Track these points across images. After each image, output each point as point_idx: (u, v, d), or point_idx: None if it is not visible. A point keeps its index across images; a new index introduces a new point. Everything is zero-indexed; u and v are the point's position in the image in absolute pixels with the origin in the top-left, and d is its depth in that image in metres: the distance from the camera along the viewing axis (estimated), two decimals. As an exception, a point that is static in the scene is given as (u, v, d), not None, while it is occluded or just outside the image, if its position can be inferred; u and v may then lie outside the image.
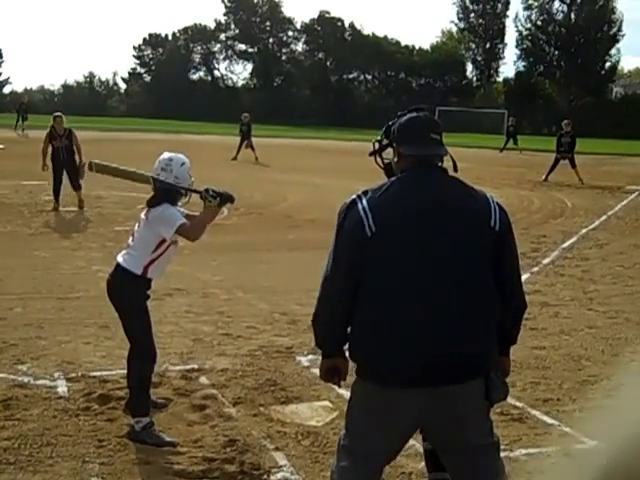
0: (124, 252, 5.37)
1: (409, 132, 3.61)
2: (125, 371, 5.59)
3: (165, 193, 5.35)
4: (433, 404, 3.40)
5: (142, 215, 5.42)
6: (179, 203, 5.46)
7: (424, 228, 3.39)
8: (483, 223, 3.45)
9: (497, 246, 3.47)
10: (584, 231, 14.91)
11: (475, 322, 3.38)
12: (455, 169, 3.74)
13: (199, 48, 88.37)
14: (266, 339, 7.54)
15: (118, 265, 5.31)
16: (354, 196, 3.51)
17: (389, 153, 3.78)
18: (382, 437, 3.48)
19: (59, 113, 16.21)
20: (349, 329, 3.52)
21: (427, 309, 3.31)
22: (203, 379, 6.36)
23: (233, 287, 9.58)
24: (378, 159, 3.87)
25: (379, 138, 3.87)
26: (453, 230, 3.40)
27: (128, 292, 5.30)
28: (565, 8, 78.51)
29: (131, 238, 5.41)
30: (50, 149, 15.65)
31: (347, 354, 3.61)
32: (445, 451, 3.61)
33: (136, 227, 5.44)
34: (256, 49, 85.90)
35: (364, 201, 3.45)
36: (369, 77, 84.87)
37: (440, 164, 3.63)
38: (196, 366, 6.64)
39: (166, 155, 5.54)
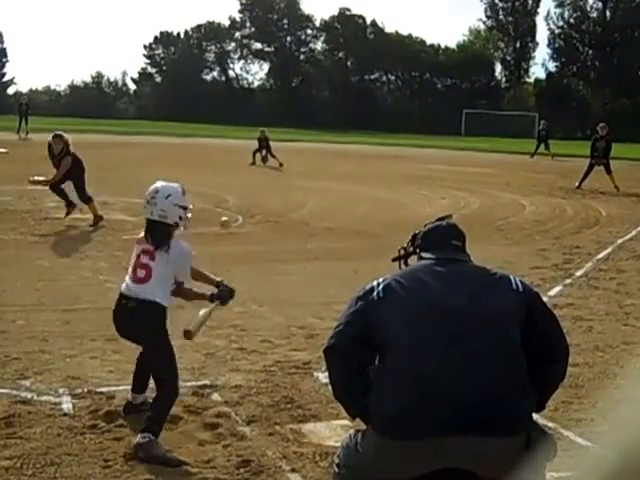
0: (143, 287, 5.53)
1: (431, 239, 4.10)
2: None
3: (165, 231, 5.60)
4: (452, 460, 3.56)
5: (137, 247, 5.67)
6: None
7: (440, 291, 3.73)
8: (505, 288, 3.81)
9: (526, 310, 3.78)
10: (620, 241, 14.81)
11: (502, 382, 3.58)
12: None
13: (213, 47, 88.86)
14: (282, 354, 7.54)
15: (147, 300, 5.49)
16: (373, 283, 3.91)
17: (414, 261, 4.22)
18: None
19: (60, 132, 15.64)
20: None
21: (451, 371, 3.55)
22: (215, 396, 6.36)
23: (247, 299, 9.56)
24: (403, 266, 4.27)
25: (405, 245, 4.31)
26: (471, 291, 3.75)
27: (160, 323, 5.59)
28: (600, 5, 78.50)
29: (143, 273, 5.55)
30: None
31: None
32: None
33: (145, 260, 5.57)
34: (273, 48, 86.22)
35: (380, 279, 3.89)
36: (392, 78, 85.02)
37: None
38: (208, 382, 6.64)
39: (152, 187, 5.66)
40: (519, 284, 3.82)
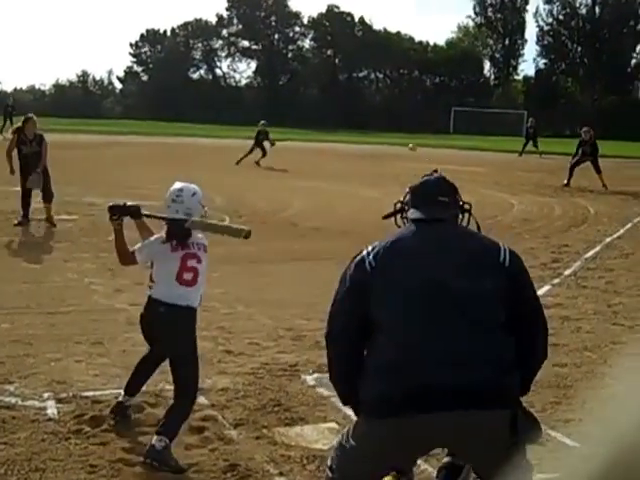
0: (191, 291, 5.59)
1: (417, 195, 4.00)
2: (120, 391, 5.89)
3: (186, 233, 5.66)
4: (446, 432, 3.57)
5: (172, 251, 5.62)
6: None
7: (426, 259, 3.71)
8: (492, 260, 3.74)
9: (510, 285, 3.72)
10: (608, 240, 14.88)
11: (477, 349, 3.57)
12: (478, 229, 4.06)
13: (200, 45, 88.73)
14: (269, 356, 7.54)
15: (181, 305, 5.53)
16: (363, 253, 3.83)
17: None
18: (384, 467, 3.80)
19: (31, 115, 15.26)
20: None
21: (424, 337, 3.57)
22: (202, 399, 6.34)
23: (234, 301, 9.57)
24: (399, 220, 4.14)
25: (401, 199, 4.16)
26: (457, 258, 3.71)
27: (192, 330, 5.67)
28: (589, 1, 78.87)
29: (190, 275, 5.58)
30: (17, 155, 14.79)
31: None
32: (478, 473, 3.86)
33: (193, 263, 5.62)
34: (260, 46, 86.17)
35: (369, 247, 3.82)
36: (380, 75, 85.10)
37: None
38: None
39: (177, 186, 5.78)
40: (507, 257, 3.75)
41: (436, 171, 4.12)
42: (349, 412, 5.47)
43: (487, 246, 3.84)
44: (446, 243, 3.80)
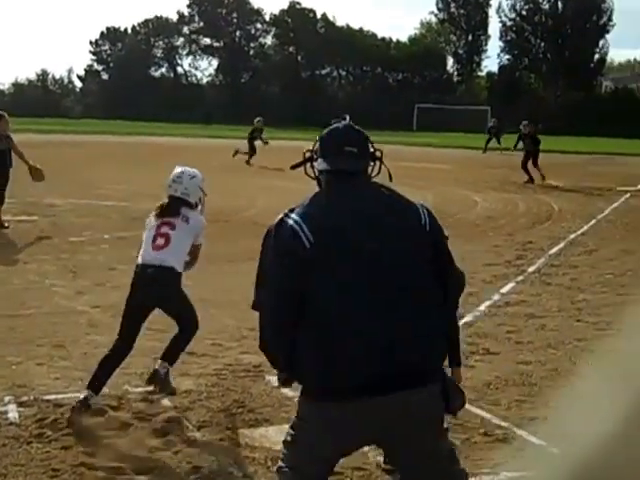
0: (162, 253, 6.29)
1: (324, 145, 3.85)
2: (82, 394, 5.97)
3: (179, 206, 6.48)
4: (389, 412, 3.52)
5: (155, 221, 6.42)
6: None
7: (360, 232, 3.57)
8: (414, 224, 3.68)
9: (432, 249, 3.70)
10: (572, 236, 15.02)
11: (422, 325, 3.56)
12: (390, 179, 3.93)
13: (161, 43, 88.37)
14: (233, 357, 7.54)
15: (164, 267, 6.28)
16: (281, 215, 3.66)
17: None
18: (332, 453, 3.68)
19: (3, 112, 15.09)
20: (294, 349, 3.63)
21: (373, 315, 3.48)
22: (165, 401, 6.34)
23: (197, 301, 9.43)
24: (309, 170, 3.96)
25: (311, 148, 3.97)
26: (386, 233, 3.60)
27: (178, 287, 6.47)
28: (552, -4, 79.19)
29: (162, 240, 6.32)
30: None
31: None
32: (404, 465, 3.74)
33: (165, 230, 6.36)
34: (222, 43, 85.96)
35: (293, 216, 3.60)
36: (343, 73, 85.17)
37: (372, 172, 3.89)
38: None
39: (179, 169, 6.62)
40: (427, 220, 3.71)
41: (345, 118, 3.98)
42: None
43: (409, 212, 3.74)
44: (369, 207, 3.67)
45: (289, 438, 3.73)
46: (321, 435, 3.60)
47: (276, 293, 3.65)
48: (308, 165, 3.96)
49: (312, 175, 3.94)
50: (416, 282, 3.60)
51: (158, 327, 7.93)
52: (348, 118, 3.98)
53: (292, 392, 6.23)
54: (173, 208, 6.41)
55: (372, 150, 3.91)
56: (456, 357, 4.23)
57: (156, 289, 6.29)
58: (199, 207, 6.68)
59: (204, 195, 6.71)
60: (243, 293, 10.05)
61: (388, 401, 3.48)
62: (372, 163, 3.91)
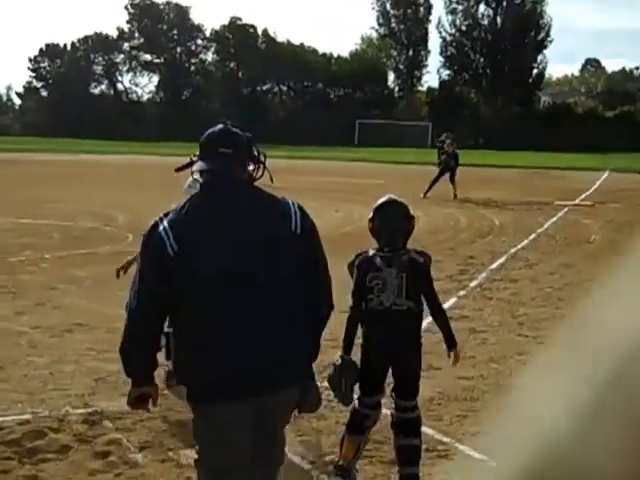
0: None
1: (202, 147, 3.98)
2: (22, 417, 5.99)
3: None
4: (258, 414, 3.78)
5: None
6: None
7: (224, 242, 3.73)
8: (284, 229, 3.83)
9: (302, 251, 3.84)
10: (513, 251, 15.19)
11: (285, 331, 3.77)
12: (271, 180, 4.17)
13: (101, 59, 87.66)
14: (175, 377, 7.50)
15: None
16: (156, 218, 3.80)
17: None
18: (233, 449, 3.85)
19: None
20: (173, 354, 3.98)
21: (237, 322, 3.68)
22: (107, 423, 6.29)
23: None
24: (196, 175, 4.05)
25: (195, 152, 4.11)
26: (253, 241, 3.76)
27: None
28: (491, 12, 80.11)
29: None
30: None
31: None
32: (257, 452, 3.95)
33: None
34: (162, 59, 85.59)
35: (165, 222, 3.74)
36: (284, 88, 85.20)
37: (251, 175, 4.01)
38: (99, 409, 6.56)
39: (190, 179, 6.91)
40: (298, 223, 3.85)
41: (225, 123, 4.03)
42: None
43: (280, 216, 3.87)
44: (241, 213, 3.80)
45: (198, 440, 3.94)
46: (218, 433, 3.79)
47: (143, 295, 3.75)
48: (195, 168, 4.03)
49: (198, 179, 4.03)
50: (281, 290, 3.76)
51: (101, 347, 7.89)
52: (229, 123, 4.04)
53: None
54: None
55: (255, 153, 4.05)
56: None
57: None
58: None
59: None
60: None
61: (260, 401, 3.73)
62: (255, 165, 4.03)
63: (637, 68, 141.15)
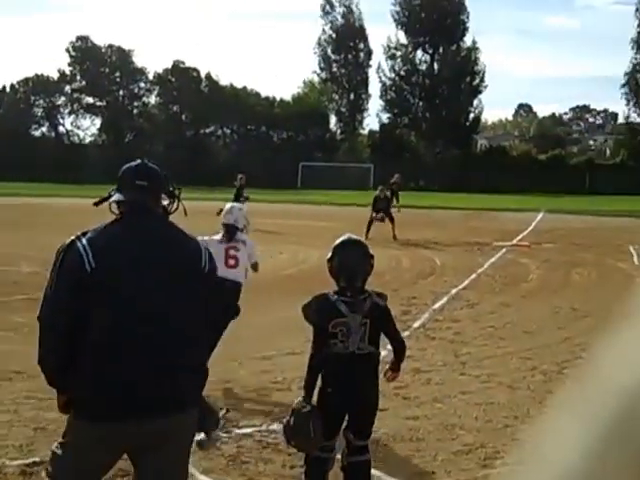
0: (234, 272, 8.85)
1: (120, 180, 4.20)
2: None
3: (235, 231, 9.13)
4: (142, 439, 3.86)
5: (221, 244, 8.94)
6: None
7: (136, 270, 3.89)
8: (193, 265, 4.03)
9: (205, 287, 4.06)
10: (454, 291, 15.29)
11: (181, 358, 3.90)
12: (185, 214, 4.37)
13: (41, 101, 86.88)
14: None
15: (237, 282, 8.87)
16: (73, 237, 3.93)
17: None
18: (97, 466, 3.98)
19: None
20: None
21: (134, 346, 3.82)
22: (44, 474, 6.12)
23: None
24: (113, 207, 4.19)
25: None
26: (162, 271, 3.93)
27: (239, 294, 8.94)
28: (428, 58, 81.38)
29: (233, 261, 8.96)
30: None
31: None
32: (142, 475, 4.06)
33: (233, 252, 8.98)
34: (105, 102, 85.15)
35: (83, 240, 3.87)
36: (227, 131, 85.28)
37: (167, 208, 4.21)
38: (38, 459, 6.34)
39: (228, 205, 9.81)
40: (207, 261, 4.07)
41: (142, 158, 4.25)
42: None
43: (191, 250, 4.08)
44: (153, 245, 3.99)
45: (59, 453, 3.96)
46: (89, 451, 3.86)
47: (56, 307, 3.87)
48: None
49: (115, 212, 4.15)
50: (183, 321, 3.91)
51: (41, 396, 7.72)
52: (146, 160, 4.25)
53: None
54: (231, 233, 9.11)
55: (171, 188, 4.24)
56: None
57: (231, 295, 8.66)
58: (244, 231, 9.32)
59: (248, 223, 9.53)
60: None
61: (150, 424, 3.81)
62: (170, 200, 4.22)
63: (566, 113, 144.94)
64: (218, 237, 9.10)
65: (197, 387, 4.03)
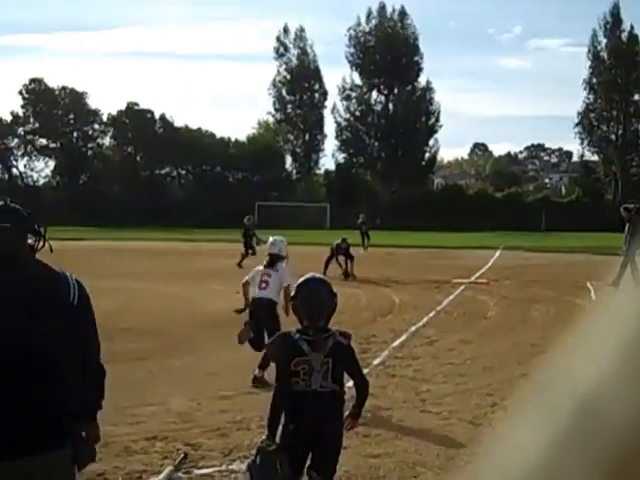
0: (265, 292, 11.07)
1: None
2: None
3: (279, 260, 11.31)
4: (17, 475, 3.82)
5: (262, 269, 11.29)
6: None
7: (3, 306, 3.88)
8: (61, 298, 4.04)
9: (77, 319, 4.07)
10: (413, 328, 15.30)
11: (43, 397, 3.88)
12: (51, 250, 4.28)
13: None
14: (76, 466, 7.24)
15: (269, 299, 11.06)
16: None
17: None
18: None
19: None
20: None
21: (3, 387, 3.81)
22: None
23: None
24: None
25: None
26: (29, 308, 3.91)
27: (275, 310, 11.02)
28: (383, 99, 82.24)
29: (264, 284, 11.09)
30: None
31: None
32: None
33: (265, 278, 11.13)
34: (59, 144, 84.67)
35: None
36: (183, 172, 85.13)
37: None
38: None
39: (272, 238, 11.79)
40: (76, 294, 4.09)
41: (4, 200, 4.31)
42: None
43: (59, 285, 4.09)
44: (20, 289, 3.97)
45: None
46: None
47: None
48: None
49: None
50: (46, 357, 3.90)
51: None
52: (8, 200, 4.32)
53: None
54: (274, 261, 11.26)
55: (36, 227, 4.28)
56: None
57: (265, 312, 10.96)
58: (285, 260, 11.49)
59: (287, 253, 11.68)
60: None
61: (16, 465, 3.77)
62: (36, 238, 4.25)
63: (521, 152, 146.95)
64: (262, 266, 11.34)
65: (65, 424, 3.98)
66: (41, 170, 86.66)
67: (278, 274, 10.98)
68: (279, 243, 11.46)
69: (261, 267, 11.21)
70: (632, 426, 0.48)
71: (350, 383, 5.74)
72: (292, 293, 5.67)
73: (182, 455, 7.44)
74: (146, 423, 8.65)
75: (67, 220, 57.09)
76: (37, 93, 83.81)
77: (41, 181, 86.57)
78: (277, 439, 5.35)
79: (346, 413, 5.62)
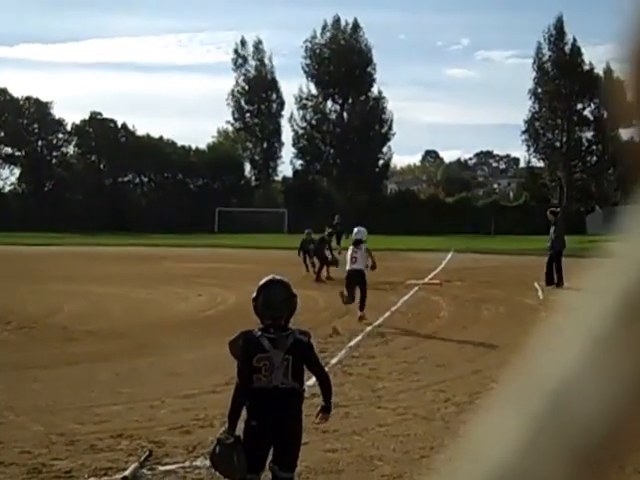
0: (355, 264, 16.61)
1: None
2: None
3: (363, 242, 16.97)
4: None
5: (354, 248, 16.84)
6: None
7: None
8: None
9: None
10: (369, 328, 15.35)
11: None
12: None
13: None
14: (42, 464, 7.16)
15: (358, 269, 16.49)
16: None
17: None
18: None
19: None
20: None
21: None
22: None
23: (3, 409, 9.07)
24: None
25: None
26: None
27: (364, 277, 16.58)
28: (338, 108, 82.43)
29: (354, 259, 16.57)
30: None
31: None
32: None
33: (354, 254, 16.65)
34: (24, 152, 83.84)
35: None
36: (145, 179, 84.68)
37: None
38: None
39: (356, 229, 17.31)
40: None
41: None
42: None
43: None
44: None
45: None
46: None
47: None
48: None
49: None
50: None
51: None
52: None
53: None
54: (358, 243, 16.69)
55: None
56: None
57: (358, 278, 16.26)
58: (365, 243, 16.82)
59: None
60: (53, 398, 9.79)
61: None
62: None
63: (471, 159, 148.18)
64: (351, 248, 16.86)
65: None
66: (7, 178, 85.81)
67: (362, 251, 16.50)
68: (362, 231, 17.08)
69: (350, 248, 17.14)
70: (593, 415, 0.48)
71: (310, 382, 5.76)
72: (253, 294, 5.69)
73: (147, 452, 7.39)
74: (111, 422, 8.59)
75: (33, 226, 56.62)
76: (2, 103, 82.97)
77: (7, 188, 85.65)
78: (240, 434, 5.36)
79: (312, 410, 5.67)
